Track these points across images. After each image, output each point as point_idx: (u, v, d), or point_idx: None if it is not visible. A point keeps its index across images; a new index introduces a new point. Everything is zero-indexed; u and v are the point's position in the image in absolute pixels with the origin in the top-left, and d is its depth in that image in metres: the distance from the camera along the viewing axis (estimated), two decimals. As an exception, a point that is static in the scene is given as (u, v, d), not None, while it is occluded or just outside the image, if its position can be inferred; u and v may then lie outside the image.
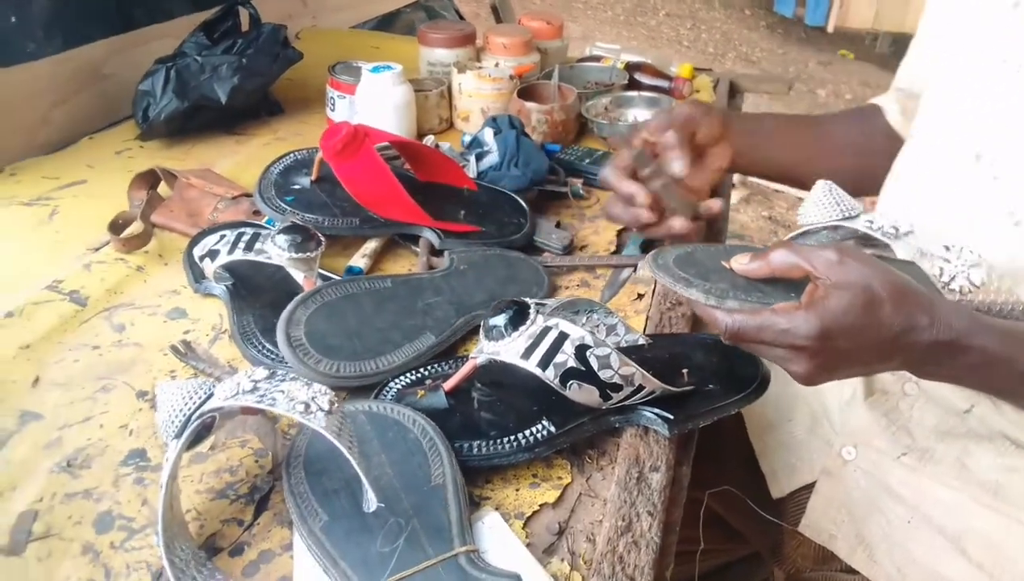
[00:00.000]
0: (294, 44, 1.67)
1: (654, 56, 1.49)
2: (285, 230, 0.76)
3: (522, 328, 0.62)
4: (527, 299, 0.65)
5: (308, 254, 0.75)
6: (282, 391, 0.52)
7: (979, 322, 0.57)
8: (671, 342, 0.73)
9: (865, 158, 0.90)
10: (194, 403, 0.55)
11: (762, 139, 0.89)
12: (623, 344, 0.71)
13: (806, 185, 0.95)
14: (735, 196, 3.64)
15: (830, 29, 5.85)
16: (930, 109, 0.79)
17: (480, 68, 1.30)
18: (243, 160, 1.13)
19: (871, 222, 0.64)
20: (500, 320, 0.62)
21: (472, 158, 1.02)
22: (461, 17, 2.72)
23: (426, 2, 2.54)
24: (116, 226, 0.90)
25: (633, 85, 1.39)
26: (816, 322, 0.52)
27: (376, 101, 1.16)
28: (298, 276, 0.76)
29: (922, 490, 0.76)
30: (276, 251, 0.75)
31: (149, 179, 0.98)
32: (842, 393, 0.84)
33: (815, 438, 0.85)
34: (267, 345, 0.73)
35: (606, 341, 0.63)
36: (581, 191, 1.07)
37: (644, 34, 6.03)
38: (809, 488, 0.84)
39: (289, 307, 0.71)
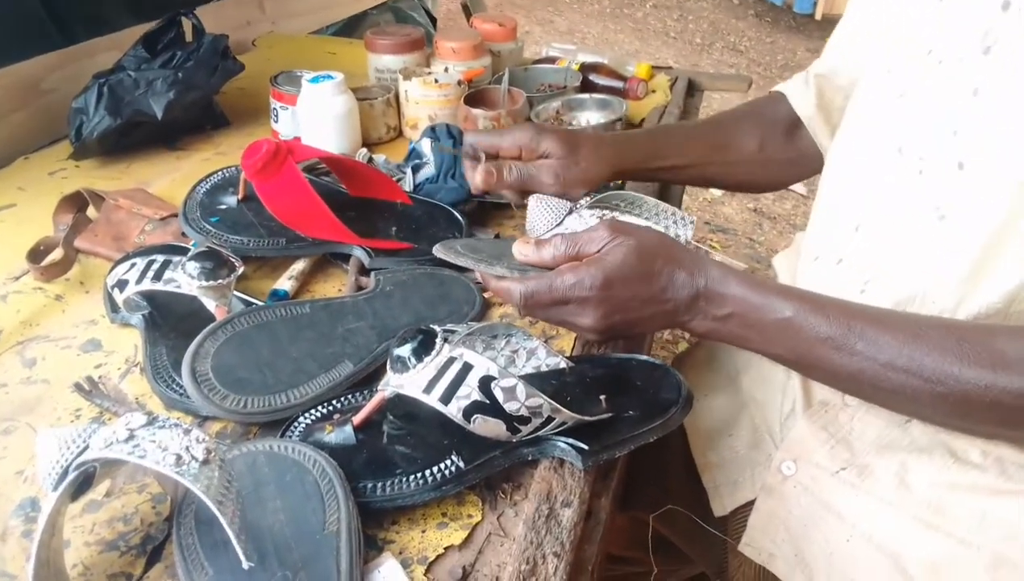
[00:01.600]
0: (249, 51, 1.65)
1: (612, 56, 1.46)
2: (196, 257, 0.73)
3: (427, 359, 0.59)
4: (435, 327, 0.62)
5: (220, 281, 0.73)
6: (154, 441, 0.49)
7: (735, 274, 0.63)
8: (595, 364, 0.70)
9: (766, 149, 0.93)
10: (72, 453, 0.52)
11: (656, 149, 0.90)
12: (544, 368, 0.68)
13: (717, 184, 0.97)
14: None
15: (818, 16, 5.83)
16: (856, 100, 0.78)
17: (428, 73, 1.27)
18: (181, 177, 1.10)
19: (584, 210, 0.79)
20: (405, 350, 0.60)
21: (408, 170, 0.99)
22: (432, 18, 2.68)
23: (394, 3, 2.50)
24: (36, 254, 0.87)
25: (587, 87, 1.36)
26: (598, 272, 0.62)
27: (316, 112, 1.13)
28: (210, 305, 0.73)
29: (861, 507, 0.73)
30: (186, 279, 0.72)
31: (76, 202, 0.95)
32: (783, 406, 0.81)
33: (757, 453, 0.83)
34: (178, 379, 0.70)
35: (513, 371, 0.61)
36: (524, 201, 1.04)
37: (631, 26, 5.99)
38: (751, 505, 0.81)
39: (197, 339, 0.68)
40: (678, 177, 0.93)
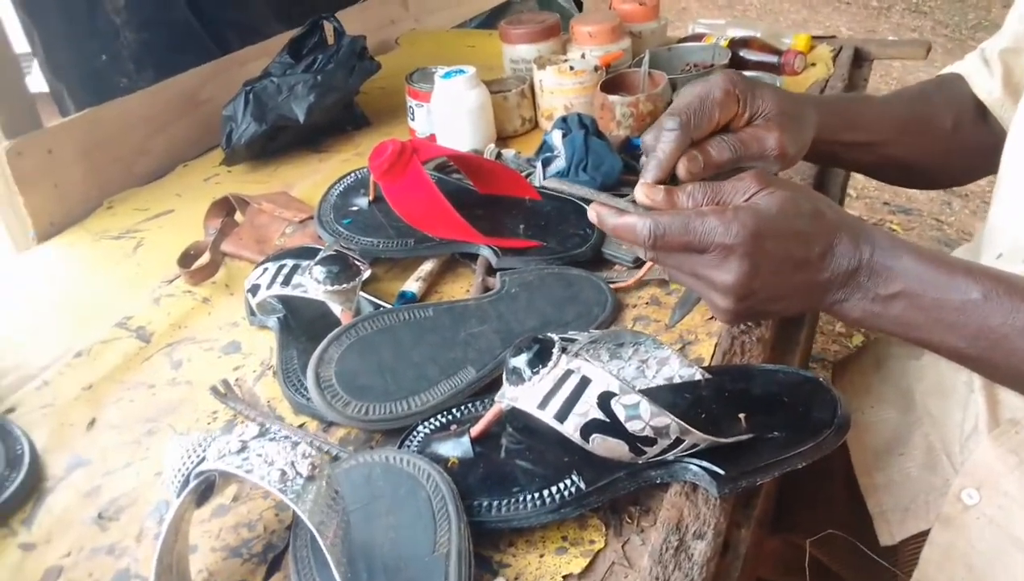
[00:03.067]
0: (393, 50, 1.68)
1: (765, 29, 1.35)
2: (322, 261, 0.73)
3: (543, 371, 0.55)
4: (553, 336, 0.57)
5: (344, 285, 0.72)
6: (261, 455, 0.48)
7: (907, 244, 0.54)
8: (735, 375, 0.63)
9: (961, 131, 0.79)
10: (192, 462, 0.53)
11: (852, 118, 0.76)
12: (676, 380, 0.62)
13: (907, 170, 0.82)
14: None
15: (1010, -34, 5.17)
16: None
17: (564, 61, 1.22)
18: (322, 178, 1.12)
19: None
20: (520, 361, 0.56)
21: (538, 164, 0.95)
22: (579, 5, 2.63)
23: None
24: (187, 258, 0.92)
25: (738, 63, 1.26)
26: (749, 219, 0.52)
27: (450, 108, 1.11)
28: (336, 309, 0.73)
29: None
30: (312, 284, 0.72)
31: (224, 207, 1.00)
32: (964, 423, 0.70)
33: (933, 476, 0.72)
34: (306, 383, 0.70)
35: (642, 382, 0.55)
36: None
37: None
38: (924, 536, 0.71)
39: (322, 345, 0.68)
40: (864, 158, 0.78)
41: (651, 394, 0.57)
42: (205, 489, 0.54)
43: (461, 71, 1.11)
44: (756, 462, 0.54)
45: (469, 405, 0.65)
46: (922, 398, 0.77)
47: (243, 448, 0.50)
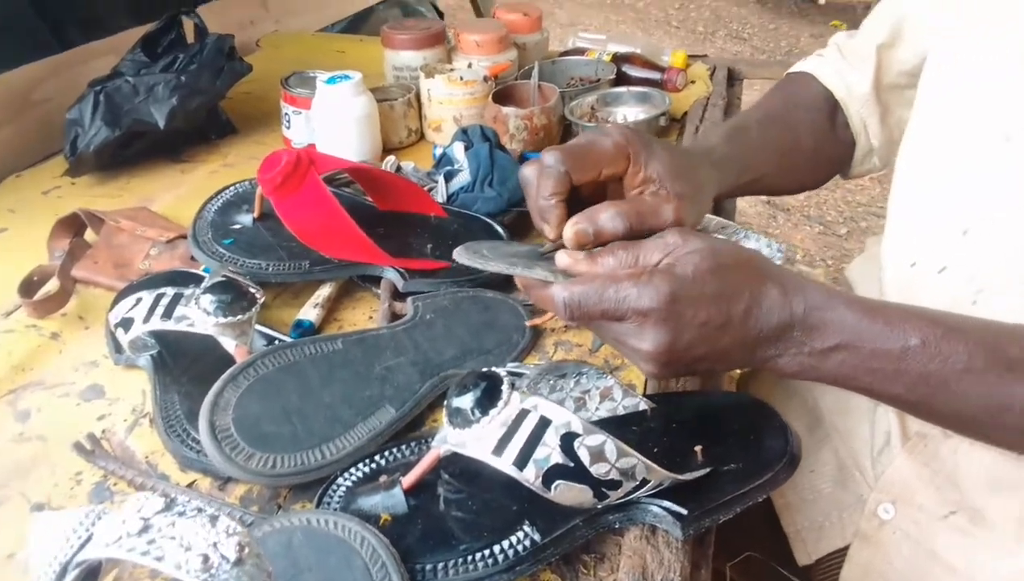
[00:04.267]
0: (254, 52, 1.55)
1: (643, 44, 1.36)
2: (211, 289, 0.63)
3: (493, 412, 0.49)
4: (500, 370, 0.52)
5: (239, 317, 0.63)
6: (174, 537, 0.39)
7: (841, 294, 0.50)
8: (679, 404, 0.60)
9: (820, 143, 0.80)
10: (71, 547, 0.42)
11: (744, 160, 0.73)
12: (620, 411, 0.58)
13: (781, 191, 0.85)
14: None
15: (822, 1, 5.70)
16: (935, 78, 0.67)
17: (451, 71, 1.17)
18: (187, 192, 1.00)
19: None
20: (465, 401, 0.50)
21: (441, 179, 0.89)
22: (439, 12, 2.58)
23: (402, -4, 2.40)
24: (29, 286, 0.77)
25: (622, 79, 1.26)
26: (664, 285, 0.47)
27: (334, 116, 1.03)
28: (229, 344, 0.63)
29: (976, 558, 0.64)
30: (200, 317, 0.63)
31: (73, 225, 0.86)
32: (874, 437, 0.71)
33: (845, 493, 0.73)
34: (193, 433, 0.60)
35: (584, 415, 0.51)
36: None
37: (632, 16, 5.88)
38: (842, 553, 0.72)
39: (215, 387, 0.58)
40: (752, 189, 0.77)
41: (611, 434, 0.53)
42: (87, 577, 0.44)
43: (346, 76, 1.03)
44: (717, 498, 0.52)
45: (393, 450, 0.59)
46: (828, 414, 0.78)
47: (146, 528, 0.40)
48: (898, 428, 0.69)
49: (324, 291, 0.77)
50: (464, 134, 0.92)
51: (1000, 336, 0.49)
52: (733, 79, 1.33)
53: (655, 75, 1.25)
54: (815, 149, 0.80)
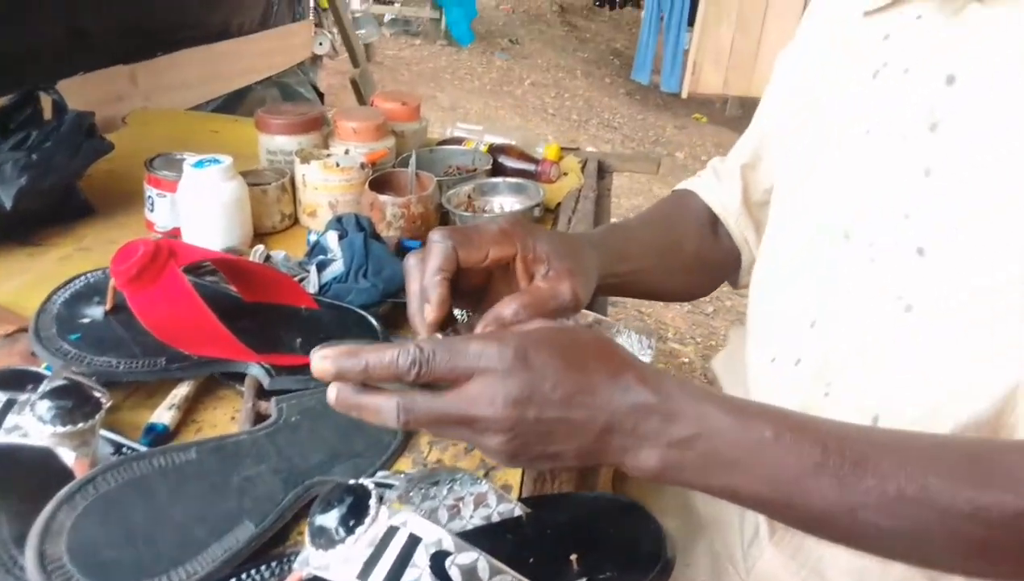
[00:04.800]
0: (119, 130, 1.49)
1: (519, 136, 1.41)
2: (49, 394, 0.58)
3: (359, 530, 0.46)
4: (368, 481, 0.49)
5: (80, 425, 0.57)
6: None
7: (695, 386, 0.49)
8: (554, 507, 0.60)
9: (702, 250, 0.84)
10: None
11: (621, 250, 0.76)
12: (495, 518, 0.57)
13: (660, 292, 0.87)
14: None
15: (684, 95, 6.16)
16: (787, 185, 0.72)
17: (328, 156, 1.16)
18: (34, 279, 0.92)
19: None
20: (329, 519, 0.47)
21: (313, 269, 0.87)
22: (320, 93, 2.58)
23: (279, 78, 2.39)
24: None
25: (498, 169, 1.29)
26: (510, 386, 0.45)
27: (201, 201, 0.99)
28: (68, 456, 0.57)
29: None
30: (35, 426, 0.56)
31: None
32: (744, 528, 0.73)
33: (720, 585, 0.74)
34: (22, 562, 0.53)
35: (458, 524, 0.49)
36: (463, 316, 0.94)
37: (511, 103, 6.12)
38: (720, 649, 0.72)
39: (46, 511, 0.52)
40: (633, 286, 0.79)
41: (470, 537, 0.52)
42: None
43: (216, 160, 1.00)
44: (593, 610, 0.50)
45: (252, 571, 0.54)
46: (702, 506, 0.80)
47: None
48: (766, 520, 0.70)
49: (181, 390, 0.72)
50: (338, 223, 0.91)
51: (851, 433, 0.51)
52: (603, 172, 1.39)
53: (530, 166, 1.29)
54: (697, 254, 0.84)
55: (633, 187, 4.60)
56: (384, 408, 0.48)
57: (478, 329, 0.56)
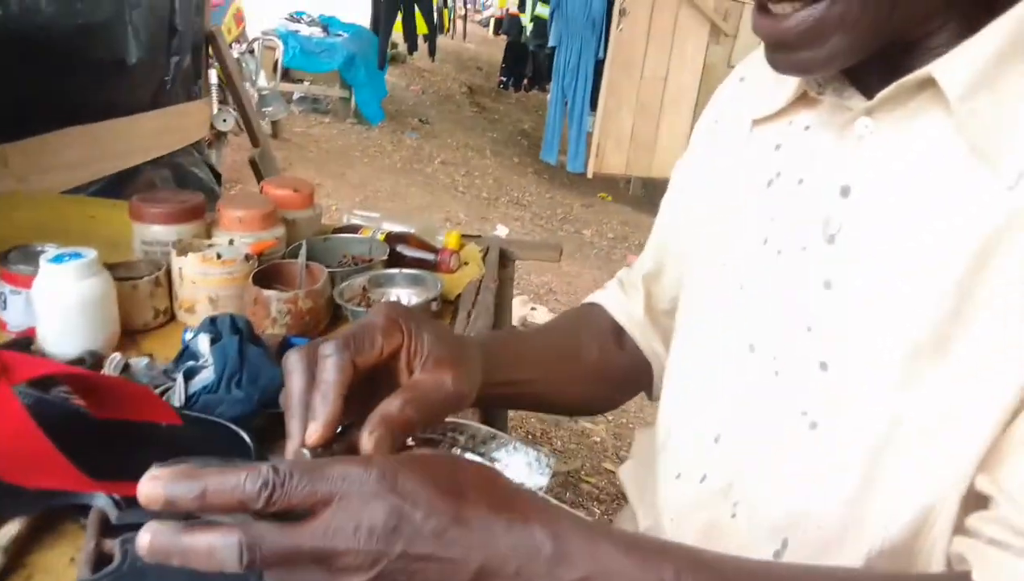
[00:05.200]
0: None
1: (418, 223, 1.37)
2: None
3: None
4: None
5: None
6: None
7: (589, 523, 0.45)
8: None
9: (605, 359, 0.82)
10: None
11: (516, 355, 0.74)
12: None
13: (561, 404, 0.82)
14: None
15: (589, 175, 6.34)
16: (691, 296, 0.71)
17: (210, 246, 1.09)
18: None
19: None
20: None
21: (179, 377, 0.79)
22: (216, 174, 2.50)
23: (173, 158, 2.29)
24: None
25: (395, 259, 1.24)
26: (377, 515, 0.39)
27: (58, 300, 0.89)
28: None
29: None
30: None
31: None
32: None
33: None
34: None
35: None
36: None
37: (421, 181, 6.14)
38: None
39: None
40: (526, 393, 0.74)
41: None
42: None
43: (77, 254, 0.91)
44: None
45: None
46: None
47: None
48: None
49: (10, 529, 0.62)
50: (211, 325, 0.83)
51: (754, 571, 0.47)
52: (506, 260, 1.37)
53: (429, 256, 1.25)
54: (599, 365, 0.81)
55: (541, 264, 4.65)
56: (220, 548, 0.39)
57: (364, 433, 0.49)
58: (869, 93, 0.54)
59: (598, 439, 2.88)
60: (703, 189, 0.72)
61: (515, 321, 3.60)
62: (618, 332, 0.84)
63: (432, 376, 0.54)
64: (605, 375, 0.82)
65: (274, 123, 5.96)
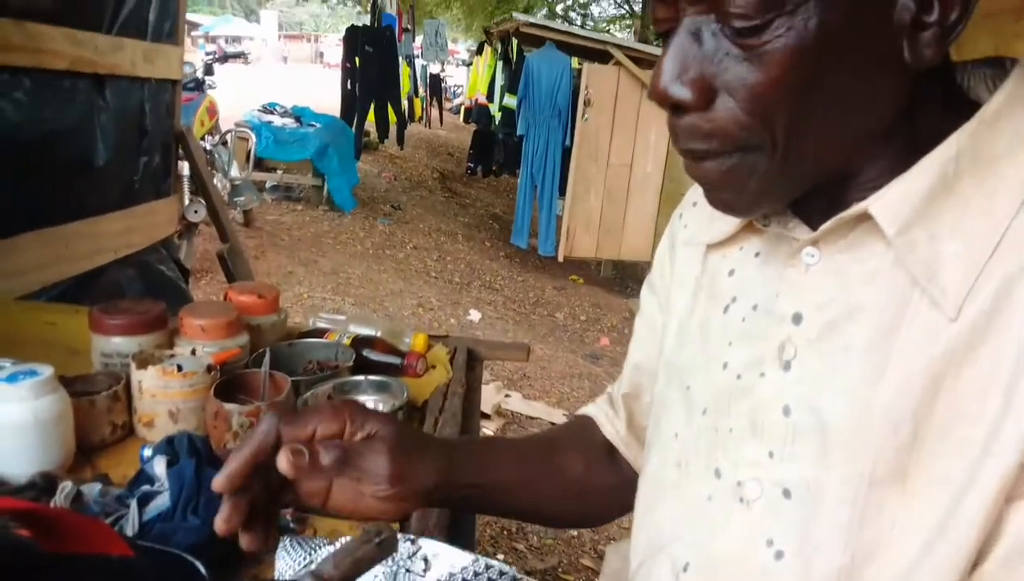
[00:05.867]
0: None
1: (385, 326, 1.37)
2: None
3: None
4: None
5: None
6: None
7: None
8: None
9: (592, 473, 0.80)
10: None
11: (487, 460, 0.73)
12: None
13: (543, 514, 0.81)
14: (492, 425, 3.56)
15: (560, 259, 6.43)
16: (658, 419, 0.70)
17: (171, 356, 1.07)
18: None
19: None
20: None
21: (133, 504, 0.76)
22: (185, 272, 2.48)
23: (140, 256, 2.27)
24: None
25: (361, 364, 1.23)
26: None
27: (9, 420, 0.87)
28: None
29: None
30: None
31: None
32: None
33: None
34: None
35: None
36: (292, 523, 0.84)
37: (393, 267, 6.17)
38: None
39: None
40: (494, 502, 0.74)
41: None
42: None
43: (33, 372, 0.89)
44: None
45: None
46: None
47: None
48: None
49: None
50: (168, 445, 0.81)
51: None
52: (473, 361, 1.36)
53: (395, 360, 1.24)
54: (584, 480, 0.79)
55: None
56: None
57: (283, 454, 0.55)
58: (812, 223, 0.56)
59: (575, 534, 2.82)
60: (667, 311, 0.72)
61: (488, 409, 3.56)
62: (610, 448, 0.82)
63: (370, 444, 0.60)
64: (590, 490, 0.80)
65: (246, 212, 5.99)
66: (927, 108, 0.51)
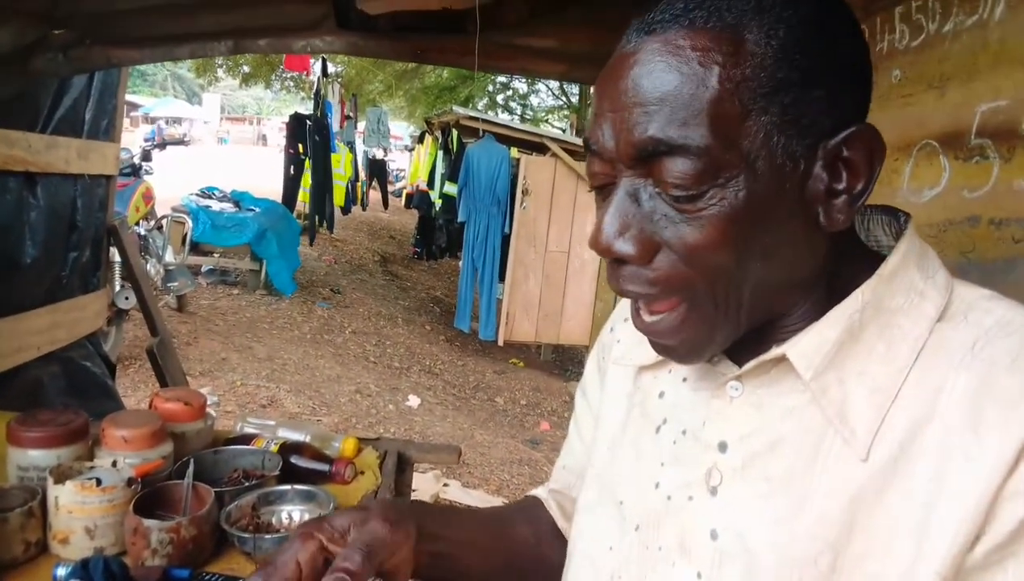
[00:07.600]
0: None
1: (314, 430, 1.37)
2: None
3: None
4: None
5: None
6: None
7: None
8: None
9: (541, 546, 0.81)
10: None
11: (447, 519, 0.74)
12: None
13: None
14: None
15: (501, 343, 6.46)
16: (583, 530, 0.72)
17: (90, 468, 1.05)
18: None
19: None
20: None
21: (41, 636, 0.74)
22: (111, 367, 2.43)
23: (64, 352, 2.21)
24: None
25: (289, 471, 1.23)
26: None
27: (-87, 546, 0.84)
28: None
29: None
30: None
31: None
32: None
33: None
34: None
35: None
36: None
37: (331, 352, 6.09)
38: None
39: None
40: (455, 557, 0.72)
41: None
42: None
43: (-61, 496, 0.87)
44: None
45: None
46: None
47: None
48: None
49: None
50: (83, 569, 0.80)
51: None
52: (404, 465, 1.37)
53: (323, 467, 1.24)
54: (538, 554, 0.80)
55: (454, 434, 4.60)
56: None
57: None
58: (738, 360, 0.60)
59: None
60: (598, 425, 0.75)
61: (427, 498, 3.51)
62: (556, 528, 0.83)
63: (363, 532, 0.59)
64: (543, 565, 0.80)
65: (180, 297, 5.88)
66: (843, 261, 0.57)
